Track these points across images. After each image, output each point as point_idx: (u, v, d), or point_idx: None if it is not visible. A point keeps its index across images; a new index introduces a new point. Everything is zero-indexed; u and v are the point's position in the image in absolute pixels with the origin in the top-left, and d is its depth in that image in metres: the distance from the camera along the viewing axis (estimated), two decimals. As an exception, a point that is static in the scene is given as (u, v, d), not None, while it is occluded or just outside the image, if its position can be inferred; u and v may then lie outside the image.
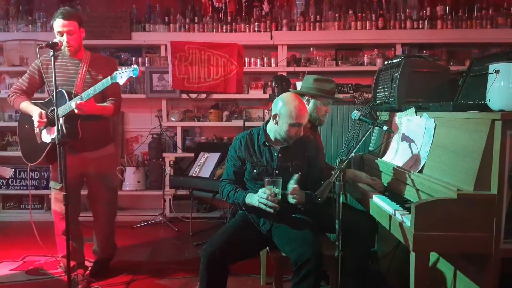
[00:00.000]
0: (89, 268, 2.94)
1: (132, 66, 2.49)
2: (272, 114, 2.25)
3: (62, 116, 2.52)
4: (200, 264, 2.04)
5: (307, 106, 2.55)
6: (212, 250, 2.03)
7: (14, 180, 4.60)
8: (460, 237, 1.59)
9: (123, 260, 3.23)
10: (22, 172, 4.55)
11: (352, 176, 2.46)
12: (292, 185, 2.09)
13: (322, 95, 2.55)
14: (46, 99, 2.74)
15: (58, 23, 2.58)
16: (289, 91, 2.59)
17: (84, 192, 2.90)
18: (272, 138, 2.30)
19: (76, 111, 2.48)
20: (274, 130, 2.26)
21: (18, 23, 4.55)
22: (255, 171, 2.26)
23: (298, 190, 2.10)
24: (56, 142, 2.29)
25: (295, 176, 2.11)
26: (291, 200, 2.10)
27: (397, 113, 2.48)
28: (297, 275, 1.97)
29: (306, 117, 2.23)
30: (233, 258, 2.12)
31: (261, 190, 2.09)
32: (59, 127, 2.34)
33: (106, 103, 2.73)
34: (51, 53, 2.34)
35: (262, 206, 2.07)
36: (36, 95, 2.88)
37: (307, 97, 2.58)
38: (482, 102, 1.80)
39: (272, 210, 2.06)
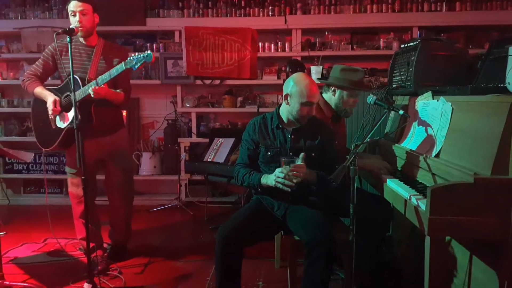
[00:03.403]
0: (107, 251, 3.02)
1: (146, 51, 2.50)
2: (284, 95, 2.25)
3: (77, 102, 2.55)
4: (215, 247, 2.07)
5: (333, 97, 2.54)
6: (226, 232, 2.07)
7: (34, 165, 4.73)
8: (476, 222, 1.57)
9: (140, 243, 3.31)
10: (42, 157, 4.65)
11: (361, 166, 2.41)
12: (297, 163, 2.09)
13: (347, 86, 2.50)
14: (59, 86, 2.77)
15: (73, 4, 2.62)
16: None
17: (101, 177, 2.96)
18: (285, 120, 2.31)
19: (92, 95, 2.52)
20: (286, 111, 2.27)
21: (35, 10, 4.61)
22: (269, 153, 2.28)
23: (304, 167, 2.09)
24: (74, 127, 2.33)
25: (301, 155, 2.11)
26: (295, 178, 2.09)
27: (413, 97, 2.45)
28: (309, 257, 1.99)
29: (318, 96, 2.24)
30: (247, 241, 2.15)
31: (277, 170, 2.11)
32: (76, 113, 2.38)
33: (118, 91, 2.76)
34: (68, 39, 2.35)
35: (279, 186, 2.08)
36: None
37: (333, 88, 2.55)
38: (501, 85, 1.76)
39: (289, 189, 2.08)
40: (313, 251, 1.97)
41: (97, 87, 2.51)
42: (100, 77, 2.56)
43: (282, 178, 2.07)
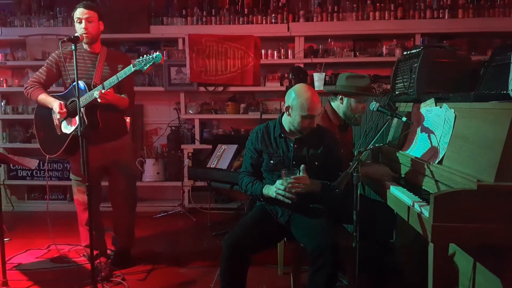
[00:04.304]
0: (111, 257, 3.02)
1: (155, 52, 2.51)
2: (285, 106, 2.26)
3: (83, 106, 2.56)
4: (221, 255, 2.07)
5: (341, 105, 2.55)
6: (233, 240, 2.07)
7: (38, 172, 4.75)
8: (479, 228, 1.57)
9: (143, 249, 3.31)
10: (46, 164, 4.67)
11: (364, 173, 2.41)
12: (299, 174, 2.11)
13: (354, 92, 2.50)
14: (62, 92, 2.79)
15: (79, 11, 2.66)
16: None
17: (105, 184, 2.97)
18: (287, 129, 2.32)
19: (99, 100, 2.54)
20: (288, 121, 2.28)
21: (40, 18, 4.65)
22: (272, 162, 2.29)
23: (305, 179, 2.10)
24: (79, 134, 2.34)
25: (302, 167, 2.13)
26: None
27: (416, 104, 2.46)
28: (314, 265, 1.99)
29: (319, 108, 2.24)
30: (253, 248, 2.14)
31: (278, 182, 2.12)
32: (81, 118, 2.39)
33: (123, 96, 2.78)
34: (73, 46, 2.35)
35: (280, 198, 2.10)
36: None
37: (340, 96, 2.55)
38: (504, 92, 1.77)
39: (289, 201, 2.09)
40: (318, 258, 1.96)
41: (103, 91, 2.53)
42: (107, 80, 2.58)
43: (282, 190, 2.09)
